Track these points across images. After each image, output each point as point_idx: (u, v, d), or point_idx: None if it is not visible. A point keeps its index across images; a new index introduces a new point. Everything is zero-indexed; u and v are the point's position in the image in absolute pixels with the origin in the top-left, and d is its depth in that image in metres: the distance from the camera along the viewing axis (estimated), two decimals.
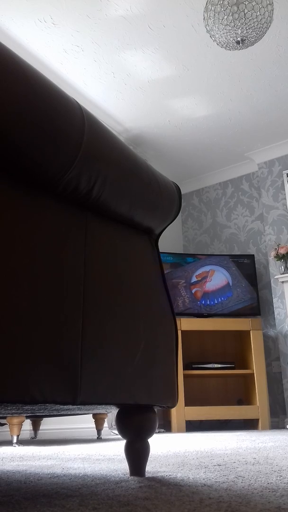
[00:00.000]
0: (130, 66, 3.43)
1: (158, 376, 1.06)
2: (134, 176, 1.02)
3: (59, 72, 3.47)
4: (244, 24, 2.48)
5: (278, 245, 4.28)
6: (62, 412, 1.27)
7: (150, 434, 1.08)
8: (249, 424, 4.02)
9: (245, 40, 2.56)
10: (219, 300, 4.17)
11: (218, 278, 4.23)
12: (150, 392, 1.03)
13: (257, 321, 3.92)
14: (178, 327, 3.79)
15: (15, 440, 2.33)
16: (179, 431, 3.58)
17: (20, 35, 3.10)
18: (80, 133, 0.87)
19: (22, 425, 2.37)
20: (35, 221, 0.84)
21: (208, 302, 4.15)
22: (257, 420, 3.71)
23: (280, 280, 4.09)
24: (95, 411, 1.22)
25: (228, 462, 1.36)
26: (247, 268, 4.29)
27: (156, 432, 3.53)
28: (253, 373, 3.82)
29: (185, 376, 3.93)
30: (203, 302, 4.15)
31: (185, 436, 2.94)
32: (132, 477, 1.08)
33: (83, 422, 3.33)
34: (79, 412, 1.27)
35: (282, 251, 4.10)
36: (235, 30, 2.51)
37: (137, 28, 3.08)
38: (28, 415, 1.87)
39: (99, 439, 2.85)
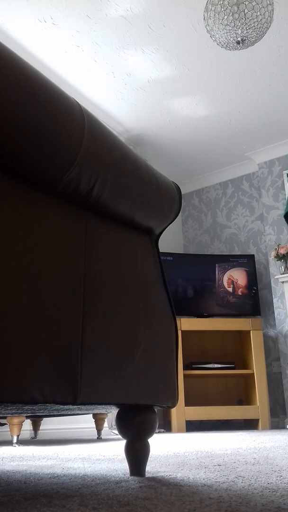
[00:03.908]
0: (130, 66, 3.43)
1: (158, 376, 1.06)
2: (134, 176, 1.02)
3: (59, 72, 3.47)
4: (244, 24, 2.48)
5: (278, 245, 4.28)
6: (62, 412, 1.27)
7: (150, 434, 1.08)
8: (249, 424, 4.02)
9: (245, 40, 2.56)
10: (219, 300, 4.17)
11: (218, 278, 4.23)
12: (150, 392, 1.03)
13: (257, 321, 3.92)
14: (178, 327, 3.79)
15: (15, 440, 2.33)
16: (179, 431, 3.58)
17: (20, 35, 3.10)
18: (80, 133, 0.87)
19: (22, 425, 2.37)
20: (35, 221, 0.84)
21: (208, 302, 4.15)
22: (257, 420, 3.71)
23: (280, 280, 4.09)
24: (95, 411, 1.22)
25: (228, 462, 1.36)
26: (247, 268, 4.29)
27: (156, 432, 3.52)
28: (253, 373, 3.82)
29: (185, 376, 3.93)
30: (203, 302, 4.14)
31: (185, 436, 2.94)
32: (132, 477, 1.08)
33: (83, 422, 3.33)
34: (79, 412, 1.27)
35: (282, 251, 4.10)
36: (235, 30, 2.51)
37: (137, 28, 3.08)
38: (28, 415, 1.87)
39: (99, 439, 2.85)
